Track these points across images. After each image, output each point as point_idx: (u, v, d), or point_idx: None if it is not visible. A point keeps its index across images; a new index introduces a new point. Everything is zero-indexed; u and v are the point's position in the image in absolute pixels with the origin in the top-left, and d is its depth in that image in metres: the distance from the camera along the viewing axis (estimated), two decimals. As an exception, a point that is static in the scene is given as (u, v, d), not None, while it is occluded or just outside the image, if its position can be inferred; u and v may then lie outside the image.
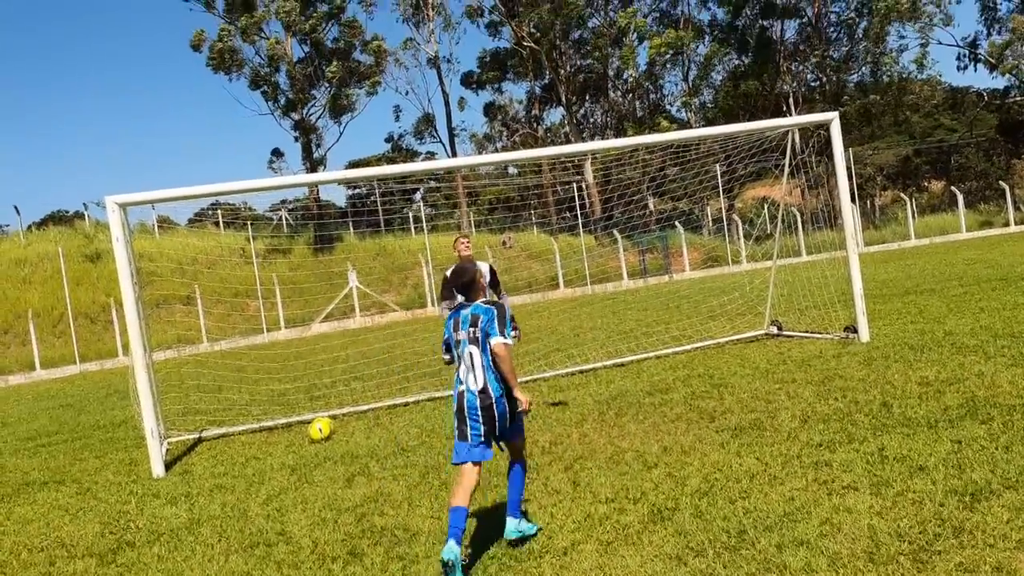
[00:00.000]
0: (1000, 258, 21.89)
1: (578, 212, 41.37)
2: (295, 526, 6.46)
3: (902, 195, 45.94)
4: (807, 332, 12.81)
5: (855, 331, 11.68)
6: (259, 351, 24.79)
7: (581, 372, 12.06)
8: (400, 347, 20.60)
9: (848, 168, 12.12)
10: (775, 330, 13.43)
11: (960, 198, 41.07)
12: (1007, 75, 50.40)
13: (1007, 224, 40.63)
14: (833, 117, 12.09)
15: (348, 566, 5.44)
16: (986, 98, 56.67)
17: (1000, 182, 46.22)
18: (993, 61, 49.91)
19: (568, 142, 51.51)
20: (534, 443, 7.99)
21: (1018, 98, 52.42)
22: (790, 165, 13.35)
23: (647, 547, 5.00)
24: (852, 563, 4.31)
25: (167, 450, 10.17)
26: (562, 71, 52.54)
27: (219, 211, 44.15)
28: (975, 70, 61.44)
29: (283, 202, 60.21)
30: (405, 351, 19.43)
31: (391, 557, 5.49)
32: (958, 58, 60.41)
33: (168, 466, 9.38)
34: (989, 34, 51.52)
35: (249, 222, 40.00)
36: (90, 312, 32.96)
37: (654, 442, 7.40)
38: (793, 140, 13.66)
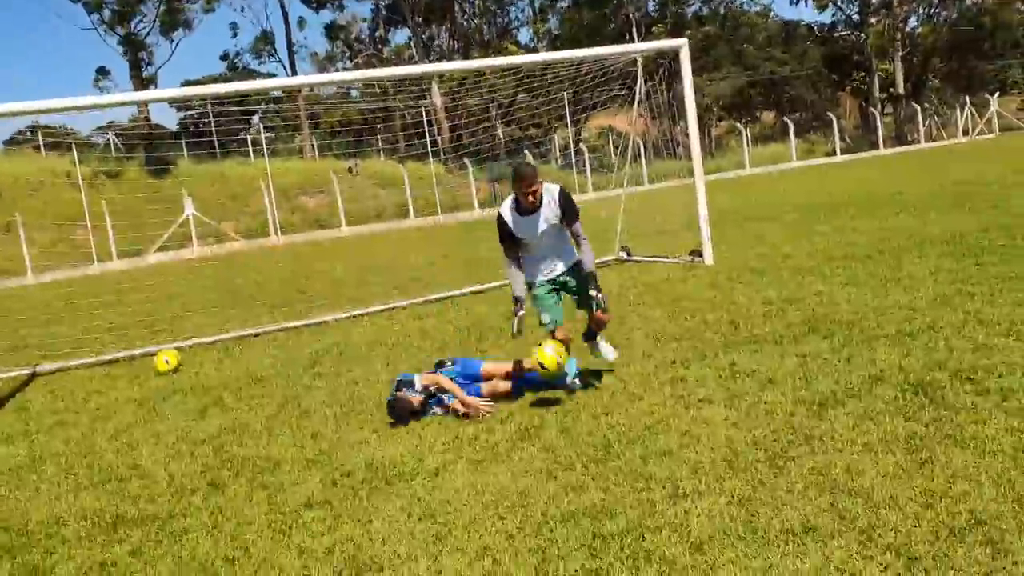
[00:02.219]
0: (829, 185, 23.28)
1: (427, 139, 40.83)
2: (148, 460, 6.18)
3: (738, 125, 47.85)
4: (654, 257, 13.23)
5: (700, 255, 12.15)
6: (91, 281, 23.42)
7: (439, 300, 12.02)
8: (244, 278, 19.95)
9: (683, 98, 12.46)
10: (624, 255, 13.80)
11: (791, 128, 43.19)
12: (822, 9, 52.96)
13: (833, 153, 43.14)
14: (682, 44, 12.31)
15: (210, 497, 5.26)
16: (816, 32, 59.39)
17: (827, 113, 48.89)
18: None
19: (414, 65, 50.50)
20: (396, 370, 7.94)
21: (844, 32, 55.27)
22: (641, 93, 13.55)
23: (517, 463, 5.07)
24: (713, 471, 4.52)
25: (-3, 387, 9.49)
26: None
27: (39, 132, 40.90)
28: (806, 5, 64.18)
29: (110, 124, 56.47)
30: (250, 281, 18.84)
31: (255, 486, 5.34)
32: (791, -9, 62.98)
33: (0, 404, 8.76)
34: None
35: (74, 145, 37.30)
36: None
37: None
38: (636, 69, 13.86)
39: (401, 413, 6.21)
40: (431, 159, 39.55)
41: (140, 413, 7.68)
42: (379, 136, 48.55)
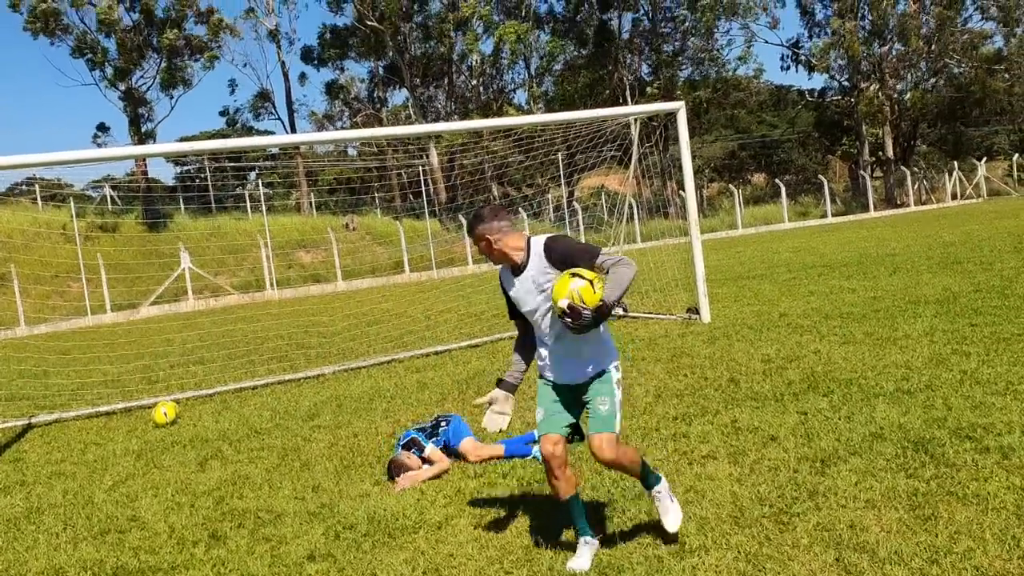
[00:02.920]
0: (821, 246, 23.48)
1: (424, 197, 41.17)
2: (147, 512, 6.14)
3: (730, 186, 48.42)
4: (651, 313, 13.31)
5: (697, 312, 12.23)
6: (85, 333, 23.37)
7: (436, 353, 12.05)
8: (241, 331, 19.93)
9: (678, 159, 12.70)
10: (621, 311, 13.87)
11: (783, 190, 43.72)
12: (822, 73, 54.13)
13: (824, 215, 43.61)
14: (679, 107, 12.58)
15: (211, 549, 5.23)
16: (806, 96, 60.48)
17: (818, 176, 49.58)
18: (814, 62, 53.35)
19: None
20: (396, 422, 7.94)
21: (835, 97, 56.29)
22: (638, 154, 13.77)
23: (521, 518, 5.07)
24: (719, 526, 4.53)
25: (-8, 438, 9.44)
26: (406, 53, 52.03)
27: (36, 185, 41.13)
28: (796, 71, 65.56)
29: (106, 178, 56.85)
30: (247, 335, 18.82)
31: (257, 539, 5.31)
32: (782, 58, 64.29)
33: (-5, 455, 8.72)
34: (810, 36, 55.11)
35: (71, 198, 37.52)
36: None
37: (516, 419, 7.48)
38: (631, 131, 14.10)
39: (394, 474, 6.12)
40: (427, 216, 39.82)
41: (138, 465, 7.65)
42: (376, 194, 48.97)
